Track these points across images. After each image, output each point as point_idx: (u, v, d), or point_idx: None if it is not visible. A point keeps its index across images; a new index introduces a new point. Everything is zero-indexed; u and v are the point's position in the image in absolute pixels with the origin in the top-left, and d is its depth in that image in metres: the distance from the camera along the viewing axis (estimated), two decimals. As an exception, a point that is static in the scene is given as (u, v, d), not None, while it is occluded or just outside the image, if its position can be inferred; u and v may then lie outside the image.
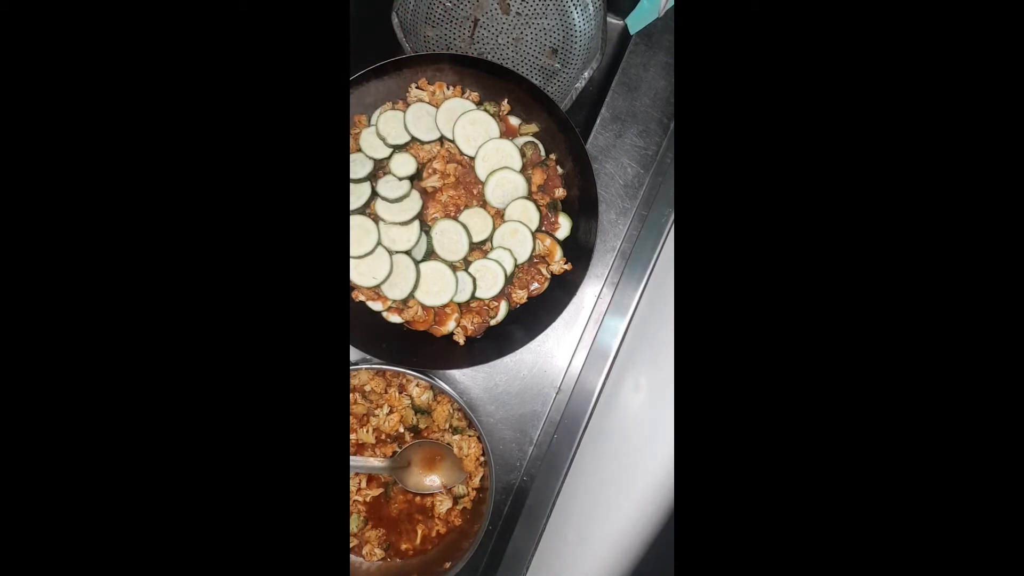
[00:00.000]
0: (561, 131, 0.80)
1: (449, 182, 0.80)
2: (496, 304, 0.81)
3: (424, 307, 0.80)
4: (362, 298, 0.80)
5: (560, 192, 0.82)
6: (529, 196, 0.80)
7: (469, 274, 0.79)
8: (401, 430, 0.80)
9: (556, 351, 0.85)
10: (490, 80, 0.80)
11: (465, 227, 0.79)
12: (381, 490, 0.80)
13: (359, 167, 0.78)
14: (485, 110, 0.80)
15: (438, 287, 0.79)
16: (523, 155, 0.80)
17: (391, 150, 0.80)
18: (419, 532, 0.80)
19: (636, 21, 0.85)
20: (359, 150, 0.80)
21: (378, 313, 0.81)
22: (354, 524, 0.79)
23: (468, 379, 0.84)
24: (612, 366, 0.82)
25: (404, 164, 0.79)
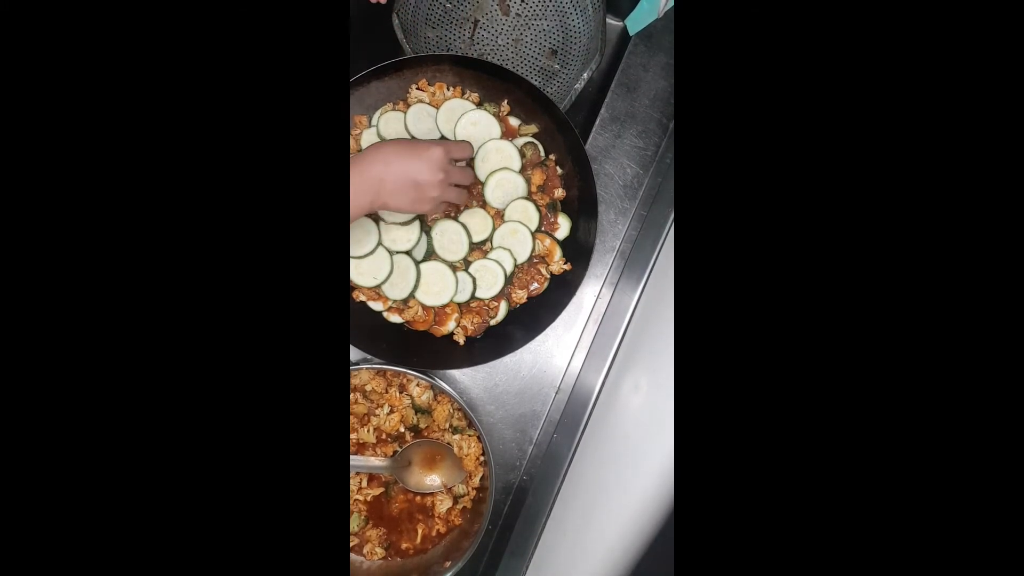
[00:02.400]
0: (560, 132, 0.80)
1: (449, 182, 0.80)
2: (496, 304, 0.81)
3: (424, 307, 0.80)
4: (363, 298, 0.80)
5: (560, 192, 0.82)
6: (529, 196, 0.80)
7: (469, 274, 0.80)
8: (402, 430, 0.81)
9: (556, 351, 0.85)
10: (490, 81, 0.81)
11: (465, 227, 0.79)
12: (382, 489, 0.81)
13: (359, 168, 0.79)
14: (486, 110, 0.80)
15: (438, 287, 0.79)
16: (523, 156, 0.80)
17: (391, 151, 0.80)
18: (419, 531, 0.80)
19: (635, 22, 0.85)
20: (360, 151, 0.80)
21: (379, 313, 0.81)
22: (355, 523, 0.79)
23: (468, 379, 0.85)
24: (611, 366, 0.82)
25: (404, 165, 0.79)
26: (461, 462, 0.79)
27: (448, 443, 0.80)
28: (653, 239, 0.82)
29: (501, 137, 0.80)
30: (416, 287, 0.79)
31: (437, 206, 0.71)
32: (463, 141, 0.76)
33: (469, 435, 0.80)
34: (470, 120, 0.79)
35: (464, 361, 0.80)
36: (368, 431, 0.79)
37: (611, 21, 0.94)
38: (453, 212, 0.79)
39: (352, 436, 0.80)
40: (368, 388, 0.81)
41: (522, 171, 0.80)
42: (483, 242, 0.80)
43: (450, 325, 0.81)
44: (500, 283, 0.79)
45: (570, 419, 0.82)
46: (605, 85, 0.89)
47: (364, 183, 0.65)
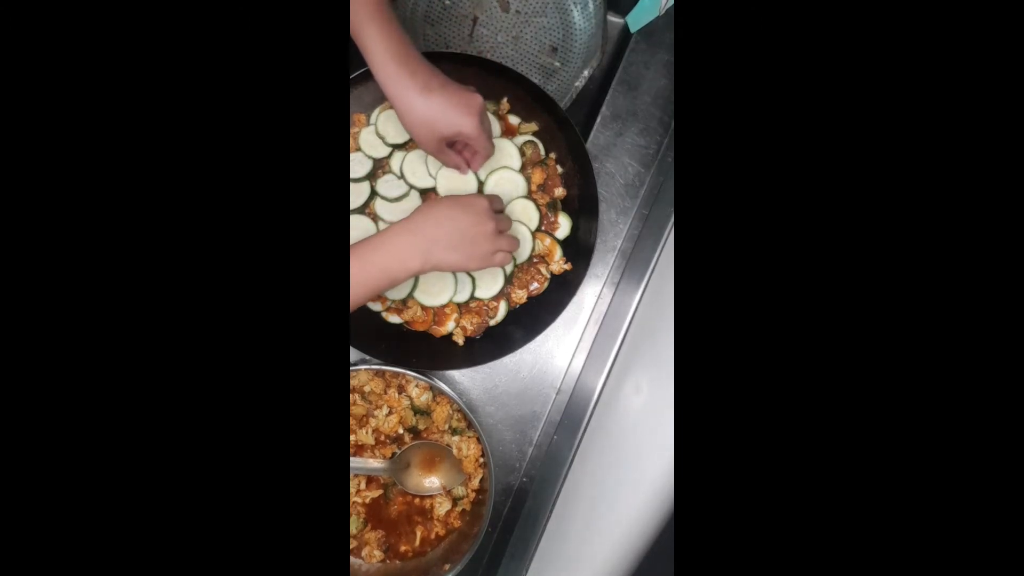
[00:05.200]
0: (561, 130, 0.79)
1: (449, 181, 0.79)
2: (496, 304, 0.81)
3: (423, 307, 0.79)
4: (361, 298, 0.80)
5: (560, 191, 0.81)
6: (529, 195, 0.80)
7: (468, 274, 0.79)
8: (400, 431, 0.80)
9: (556, 351, 0.84)
10: (489, 79, 0.80)
11: (465, 227, 0.78)
12: (381, 492, 0.80)
13: (358, 166, 0.78)
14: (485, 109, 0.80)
15: (437, 287, 0.78)
16: (523, 154, 0.80)
17: (390, 149, 0.80)
18: (418, 534, 0.79)
19: (636, 19, 0.85)
20: (358, 149, 0.79)
21: (377, 313, 0.80)
22: (354, 526, 0.79)
23: (468, 380, 0.84)
24: (612, 367, 0.81)
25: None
26: (460, 464, 0.78)
27: (447, 445, 0.79)
28: (655, 238, 0.82)
29: (501, 135, 0.80)
30: (415, 287, 0.78)
31: (491, 258, 0.68)
32: (495, 195, 0.76)
33: (468, 436, 0.79)
34: (470, 118, 0.79)
35: (463, 362, 0.79)
36: (367, 433, 0.79)
37: (612, 18, 0.93)
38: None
39: (351, 438, 0.79)
40: (367, 389, 0.80)
41: (522, 170, 0.79)
42: (483, 241, 0.80)
43: (449, 325, 0.80)
44: (500, 283, 0.79)
45: (570, 420, 0.82)
46: (606, 83, 0.88)
47: (415, 244, 0.63)
